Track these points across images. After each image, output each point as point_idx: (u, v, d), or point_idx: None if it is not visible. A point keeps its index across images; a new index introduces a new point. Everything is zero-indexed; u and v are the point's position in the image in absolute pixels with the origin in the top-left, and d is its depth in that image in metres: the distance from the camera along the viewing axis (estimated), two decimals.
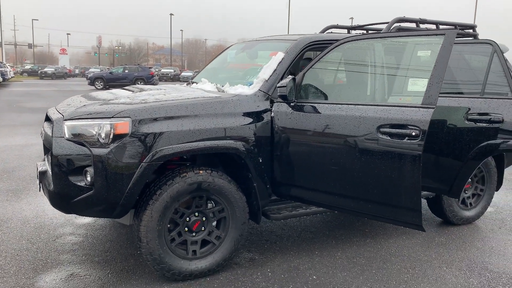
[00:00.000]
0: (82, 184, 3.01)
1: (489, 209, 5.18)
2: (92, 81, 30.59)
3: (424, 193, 4.14)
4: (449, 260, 3.75)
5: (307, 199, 3.45)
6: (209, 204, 3.33)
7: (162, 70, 49.31)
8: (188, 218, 3.24)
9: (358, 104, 3.13)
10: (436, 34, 2.98)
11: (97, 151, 2.94)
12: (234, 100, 3.36)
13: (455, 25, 4.77)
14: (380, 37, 3.39)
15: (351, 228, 4.43)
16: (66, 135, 3.05)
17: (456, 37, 4.81)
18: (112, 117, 2.99)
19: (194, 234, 3.28)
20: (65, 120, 3.11)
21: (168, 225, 3.17)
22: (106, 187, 2.94)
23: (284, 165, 3.44)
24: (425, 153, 3.83)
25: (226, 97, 3.38)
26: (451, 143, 3.67)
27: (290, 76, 3.35)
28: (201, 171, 3.18)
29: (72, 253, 3.68)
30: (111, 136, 2.95)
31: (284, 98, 3.29)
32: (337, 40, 3.49)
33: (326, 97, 3.49)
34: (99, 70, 48.68)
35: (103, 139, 2.97)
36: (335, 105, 3.22)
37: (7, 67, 38.83)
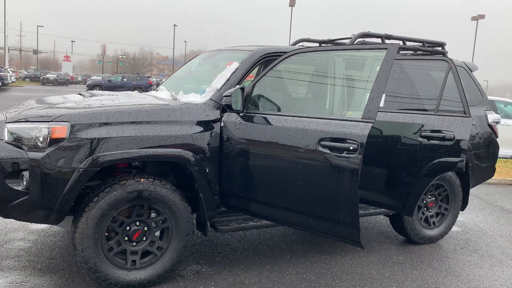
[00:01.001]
0: (19, 188, 2.96)
1: (455, 228, 5.09)
2: (91, 88, 30.77)
3: (382, 210, 4.07)
4: (401, 279, 3.66)
5: (253, 211, 3.39)
6: (152, 214, 3.27)
7: (163, 80, 49.49)
8: (128, 227, 3.17)
9: (302, 117, 3.08)
10: (379, 48, 2.95)
11: (33, 154, 2.89)
12: (182, 108, 3.32)
13: (423, 42, 4.74)
14: (326, 50, 3.34)
15: (310, 243, 4.34)
16: (6, 138, 3.01)
17: (425, 55, 4.80)
18: (51, 121, 2.95)
19: (134, 244, 3.21)
20: (7, 123, 3.07)
21: (106, 234, 3.10)
22: (41, 192, 2.89)
23: (231, 176, 3.38)
24: (378, 168, 3.78)
25: (174, 105, 3.34)
26: (405, 159, 3.62)
27: (237, 86, 3.31)
28: (142, 179, 3.12)
29: (16, 259, 3.60)
30: (48, 140, 2.91)
31: (229, 108, 3.24)
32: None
33: (277, 109, 3.45)
34: (100, 78, 48.92)
35: (40, 143, 2.92)
36: (280, 116, 3.18)
37: (9, 72, 39.07)
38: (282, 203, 3.17)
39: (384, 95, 3.87)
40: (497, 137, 4.88)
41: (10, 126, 3.03)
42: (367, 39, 4.53)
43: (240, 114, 3.34)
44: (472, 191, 7.08)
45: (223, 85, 3.49)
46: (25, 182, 2.92)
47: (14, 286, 3.17)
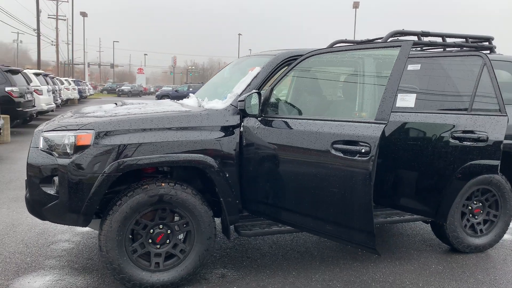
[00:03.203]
0: (52, 192, 3.18)
1: (510, 237, 4.69)
2: (159, 98, 32.25)
3: (416, 216, 3.85)
4: None
5: (272, 216, 3.36)
6: (175, 217, 3.36)
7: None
8: (152, 230, 3.28)
9: (316, 119, 3.02)
10: (393, 46, 2.81)
11: (61, 161, 3.10)
12: (203, 114, 3.39)
13: (467, 37, 4.45)
14: (343, 50, 3.23)
15: (344, 250, 4.22)
16: (41, 146, 3.25)
17: (471, 51, 4.50)
18: (78, 129, 3.15)
19: (158, 246, 3.31)
20: (43, 132, 3.32)
21: (130, 236, 3.23)
22: (68, 196, 3.08)
23: (250, 180, 3.39)
24: (410, 172, 3.59)
25: (194, 111, 3.42)
26: (436, 162, 3.40)
27: (253, 90, 3.32)
28: (163, 184, 3.22)
29: (57, 259, 3.87)
30: (74, 147, 3.10)
31: (244, 113, 3.26)
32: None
33: (296, 112, 3.41)
34: (170, 88, 51.19)
35: (68, 149, 3.13)
36: (295, 120, 3.14)
37: (87, 85, 42.15)
38: (299, 208, 3.12)
39: (414, 95, 3.69)
40: None
41: (45, 134, 3.28)
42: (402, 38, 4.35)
43: (258, 118, 3.34)
44: None
45: (243, 90, 3.52)
46: (55, 187, 3.14)
47: (51, 283, 3.40)
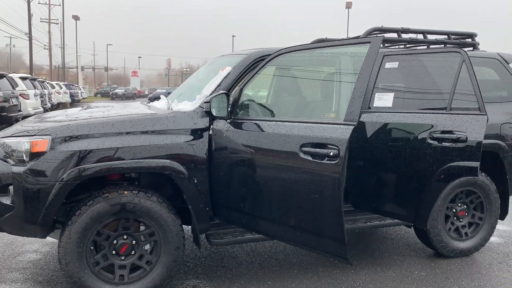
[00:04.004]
0: (8, 202, 2.99)
1: (497, 239, 4.54)
2: (152, 100, 31.95)
3: (398, 221, 3.69)
4: None
5: (244, 224, 3.19)
6: (141, 227, 3.18)
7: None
8: (115, 240, 3.10)
9: (285, 121, 2.85)
10: (363, 43, 2.64)
11: (16, 169, 2.92)
12: (169, 117, 3.21)
13: (449, 34, 4.29)
14: (307, 49, 3.05)
15: (324, 257, 4.04)
16: None
17: (455, 47, 4.34)
18: (34, 135, 2.96)
19: (122, 258, 3.13)
20: (1, 138, 3.13)
21: (92, 247, 3.05)
22: (24, 206, 2.90)
23: (221, 186, 3.21)
24: (388, 175, 3.42)
25: (160, 114, 3.24)
26: (415, 165, 3.23)
27: (220, 91, 3.15)
28: (125, 192, 3.04)
29: (22, 271, 3.67)
30: (29, 154, 2.92)
31: (210, 115, 3.08)
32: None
33: (266, 113, 3.24)
34: (164, 90, 50.91)
35: (24, 157, 2.94)
36: (264, 122, 2.97)
37: (80, 89, 41.82)
38: (269, 215, 2.95)
39: (392, 94, 3.52)
40: None
41: (1, 141, 3.09)
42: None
43: (228, 121, 3.17)
44: None
45: (213, 91, 3.34)
46: (11, 196, 2.95)
47: None
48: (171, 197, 3.35)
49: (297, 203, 2.75)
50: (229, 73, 3.41)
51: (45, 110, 17.72)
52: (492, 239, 4.48)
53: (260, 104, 3.27)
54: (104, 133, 3.02)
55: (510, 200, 4.21)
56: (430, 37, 4.30)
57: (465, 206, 4.03)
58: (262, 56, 3.48)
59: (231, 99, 3.20)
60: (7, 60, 79.40)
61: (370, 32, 3.96)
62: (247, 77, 3.20)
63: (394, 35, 4.16)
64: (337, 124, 2.56)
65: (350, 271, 3.73)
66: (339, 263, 3.87)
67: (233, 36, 66.16)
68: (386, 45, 4.40)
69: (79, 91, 39.39)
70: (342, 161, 2.47)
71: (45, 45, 53.13)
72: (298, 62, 3.33)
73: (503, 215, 4.18)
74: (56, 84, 28.39)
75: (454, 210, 3.99)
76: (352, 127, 2.47)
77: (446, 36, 4.31)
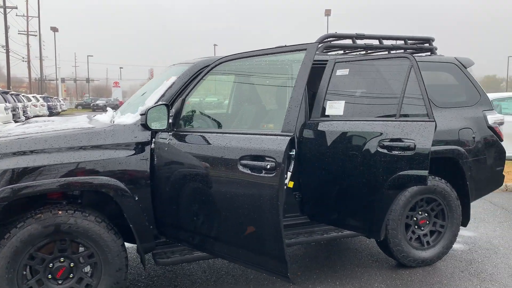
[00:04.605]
0: None
1: (461, 246, 4.45)
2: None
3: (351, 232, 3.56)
4: None
5: (188, 241, 3.03)
6: (80, 248, 2.99)
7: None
8: (51, 264, 2.91)
9: (225, 133, 2.71)
10: (299, 50, 2.51)
11: None
12: (107, 131, 3.04)
13: (405, 39, 4.22)
14: (247, 57, 2.92)
15: None
16: None
17: (415, 53, 4.26)
18: None
19: (60, 282, 2.93)
20: None
21: (24, 272, 2.84)
22: None
23: (164, 203, 3.05)
24: (341, 185, 3.29)
25: (98, 128, 3.07)
26: (365, 174, 3.11)
27: (159, 102, 2.99)
28: (60, 212, 2.86)
29: None
30: None
31: (146, 128, 2.92)
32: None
33: (209, 125, 3.09)
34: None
35: None
36: (206, 133, 2.82)
37: (60, 101, 41.16)
38: (211, 232, 2.79)
39: (343, 102, 3.41)
40: (501, 140, 4.21)
41: None
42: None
43: (170, 133, 3.02)
44: (496, 200, 6.30)
45: (156, 102, 3.18)
46: None
47: None
48: (116, 215, 3.18)
49: (238, 219, 2.61)
50: (173, 83, 3.27)
51: None
52: (456, 246, 4.39)
53: (204, 115, 3.13)
54: (35, 150, 2.83)
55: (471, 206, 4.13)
56: (389, 42, 4.23)
57: (426, 214, 3.93)
58: (207, 66, 3.34)
59: (173, 110, 3.05)
60: None
61: (323, 39, 3.87)
62: (189, 87, 3.05)
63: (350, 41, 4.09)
64: (275, 135, 2.43)
65: (308, 285, 3.58)
66: (297, 277, 3.72)
67: (214, 45, 66.09)
68: (346, 51, 4.32)
69: (58, 103, 38.78)
70: (279, 174, 2.33)
71: (23, 58, 52.36)
72: (241, 70, 3.19)
73: (465, 222, 4.09)
74: (33, 96, 27.85)
75: (414, 218, 3.88)
76: (289, 137, 2.34)
77: (403, 42, 4.24)
